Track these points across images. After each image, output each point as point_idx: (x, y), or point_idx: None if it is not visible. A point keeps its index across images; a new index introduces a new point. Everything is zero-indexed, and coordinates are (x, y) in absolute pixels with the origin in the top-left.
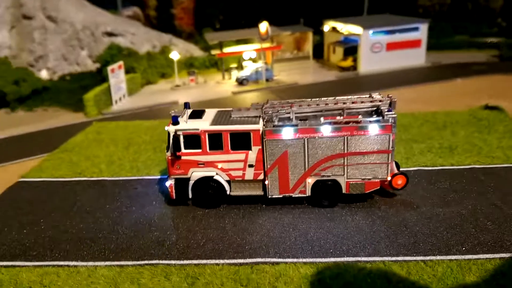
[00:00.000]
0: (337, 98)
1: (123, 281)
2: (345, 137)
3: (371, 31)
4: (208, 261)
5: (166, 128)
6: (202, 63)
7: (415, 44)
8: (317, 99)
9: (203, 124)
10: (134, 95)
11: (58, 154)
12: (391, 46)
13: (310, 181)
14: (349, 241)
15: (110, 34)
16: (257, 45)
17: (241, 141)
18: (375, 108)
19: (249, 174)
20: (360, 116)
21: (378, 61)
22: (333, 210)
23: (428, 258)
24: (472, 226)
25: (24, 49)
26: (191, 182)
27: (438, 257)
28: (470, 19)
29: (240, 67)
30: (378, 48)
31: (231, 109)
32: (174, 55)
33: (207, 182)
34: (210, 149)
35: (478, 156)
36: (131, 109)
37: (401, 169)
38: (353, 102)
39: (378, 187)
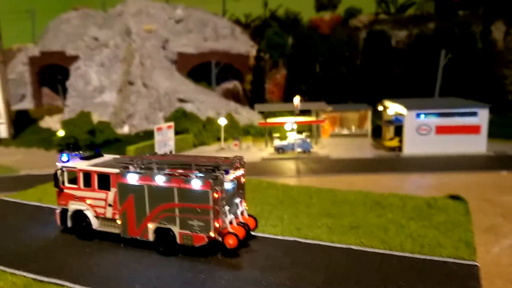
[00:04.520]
0: (200, 155)
1: None
2: (174, 188)
3: (415, 112)
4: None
5: (56, 163)
6: (259, 131)
7: (472, 130)
8: (190, 154)
9: (81, 164)
10: (182, 153)
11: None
12: (442, 130)
13: (151, 227)
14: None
15: (181, 100)
16: (301, 118)
17: (104, 182)
18: (215, 166)
19: (109, 212)
20: (195, 171)
21: (426, 144)
22: (163, 257)
23: None
24: None
25: (122, 108)
26: (69, 213)
27: None
28: None
29: (283, 137)
30: (426, 130)
31: (120, 156)
32: (222, 121)
33: (81, 215)
34: (83, 186)
35: (371, 239)
36: None
37: (256, 234)
38: (206, 159)
39: (206, 242)
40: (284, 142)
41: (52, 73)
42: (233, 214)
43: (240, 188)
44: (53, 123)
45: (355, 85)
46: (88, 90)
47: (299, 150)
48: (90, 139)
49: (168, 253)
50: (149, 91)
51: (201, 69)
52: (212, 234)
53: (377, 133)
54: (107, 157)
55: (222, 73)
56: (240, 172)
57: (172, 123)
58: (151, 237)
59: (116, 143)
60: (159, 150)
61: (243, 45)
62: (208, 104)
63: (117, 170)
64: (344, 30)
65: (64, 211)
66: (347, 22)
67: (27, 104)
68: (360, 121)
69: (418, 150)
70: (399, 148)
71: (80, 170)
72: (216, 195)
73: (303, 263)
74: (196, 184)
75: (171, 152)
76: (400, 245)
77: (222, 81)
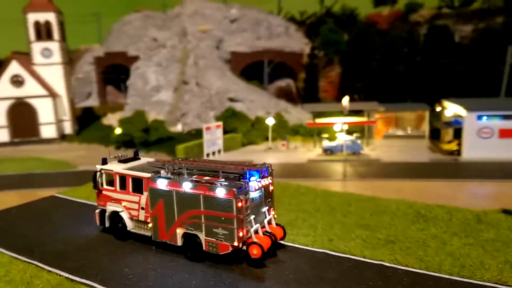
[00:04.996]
0: (228, 161)
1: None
2: (200, 195)
3: (475, 114)
4: (47, 267)
5: (96, 166)
6: (308, 131)
7: None
8: (216, 160)
9: (118, 167)
10: (230, 152)
11: None
12: (506, 133)
13: (179, 232)
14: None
15: (232, 100)
16: (351, 118)
17: (137, 186)
18: (241, 174)
19: (142, 215)
20: (221, 179)
21: (487, 148)
22: (190, 263)
23: None
24: None
25: (177, 107)
26: (107, 214)
27: None
28: None
29: (333, 138)
30: (487, 133)
31: (154, 160)
32: (270, 121)
33: (117, 216)
34: (119, 188)
35: (407, 256)
36: None
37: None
38: (233, 166)
39: (229, 251)
40: (333, 143)
41: (116, 72)
42: (259, 223)
43: (268, 196)
44: (114, 120)
45: (415, 83)
46: (146, 89)
47: (348, 151)
48: (145, 137)
49: (195, 259)
50: (202, 91)
51: (254, 68)
52: (235, 243)
53: (435, 135)
54: (143, 160)
55: (275, 71)
56: (268, 180)
57: (220, 123)
58: (179, 242)
59: (169, 141)
60: (208, 149)
61: (297, 43)
62: (258, 103)
63: (149, 175)
64: (404, 25)
65: (102, 212)
66: (407, 17)
67: (93, 101)
68: (417, 122)
69: (478, 154)
70: (458, 152)
71: (116, 173)
72: (240, 204)
73: (329, 278)
74: (220, 192)
75: (219, 151)
76: (438, 264)
77: (275, 80)
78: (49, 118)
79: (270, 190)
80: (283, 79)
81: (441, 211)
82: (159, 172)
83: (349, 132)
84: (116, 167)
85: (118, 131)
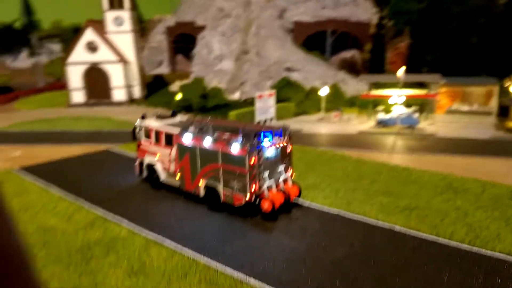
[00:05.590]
0: (251, 123)
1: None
2: (219, 151)
3: None
4: (87, 206)
5: (136, 121)
6: (365, 103)
7: None
8: (243, 122)
9: (154, 123)
10: (282, 121)
11: None
12: None
13: (201, 184)
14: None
15: (289, 69)
16: (408, 91)
17: (168, 140)
18: (257, 133)
19: (172, 167)
20: (239, 137)
21: None
22: (210, 212)
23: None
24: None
25: (237, 76)
26: (144, 165)
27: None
28: None
29: (388, 110)
30: None
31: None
32: (322, 92)
33: (152, 167)
34: (155, 142)
35: (421, 223)
36: None
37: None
38: (253, 126)
39: (242, 203)
40: (387, 116)
41: (185, 41)
42: (274, 180)
43: (284, 156)
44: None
45: (490, 57)
46: (210, 58)
47: (403, 125)
48: (202, 103)
49: (214, 208)
50: (261, 60)
51: (318, 38)
52: (248, 197)
53: (505, 112)
54: (179, 118)
55: (341, 42)
56: (284, 140)
57: (273, 91)
58: (201, 193)
59: (225, 108)
60: (259, 116)
61: (364, 12)
62: (316, 73)
63: (177, 131)
64: None
65: (141, 163)
66: None
67: (164, 69)
68: (486, 98)
69: None
70: None
71: (152, 128)
72: (252, 161)
73: (334, 236)
74: (235, 148)
75: (271, 119)
76: (451, 233)
77: (340, 50)
78: (120, 83)
79: (288, 151)
80: (348, 50)
81: (475, 185)
82: (187, 129)
83: (408, 105)
84: (152, 123)
85: (179, 96)
